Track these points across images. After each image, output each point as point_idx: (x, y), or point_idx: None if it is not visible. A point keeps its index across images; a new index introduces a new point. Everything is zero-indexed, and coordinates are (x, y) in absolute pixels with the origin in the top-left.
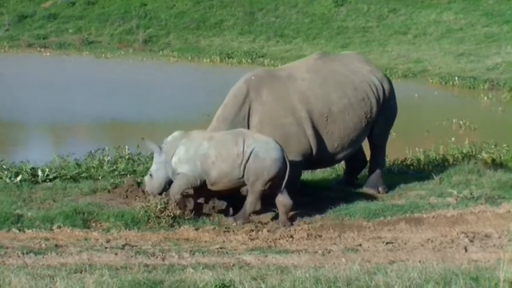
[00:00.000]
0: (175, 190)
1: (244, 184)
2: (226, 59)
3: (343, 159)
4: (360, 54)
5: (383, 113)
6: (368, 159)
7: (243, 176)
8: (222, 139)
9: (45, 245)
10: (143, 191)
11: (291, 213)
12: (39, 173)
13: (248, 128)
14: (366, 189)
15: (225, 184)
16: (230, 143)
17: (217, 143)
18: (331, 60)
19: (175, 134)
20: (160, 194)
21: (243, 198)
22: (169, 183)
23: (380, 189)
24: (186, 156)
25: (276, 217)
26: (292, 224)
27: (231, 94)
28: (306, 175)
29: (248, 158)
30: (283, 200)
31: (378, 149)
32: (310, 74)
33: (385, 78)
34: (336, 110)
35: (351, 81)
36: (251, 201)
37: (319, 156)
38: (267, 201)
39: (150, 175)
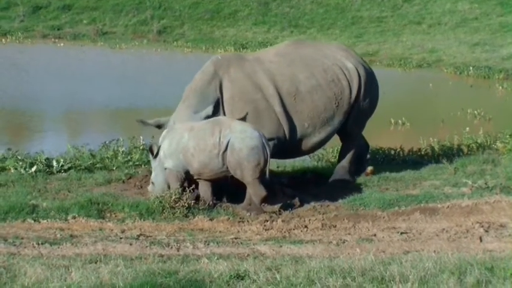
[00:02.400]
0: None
1: (228, 173)
2: (241, 50)
3: (319, 144)
4: (342, 44)
5: (360, 100)
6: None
7: (223, 165)
8: (200, 129)
9: (60, 235)
10: None
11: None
12: (54, 163)
13: (222, 103)
14: (332, 179)
15: (208, 175)
16: (207, 134)
17: (196, 134)
18: (304, 46)
19: (163, 133)
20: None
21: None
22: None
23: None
24: (169, 150)
25: (288, 206)
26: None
27: (199, 72)
28: (319, 166)
29: (225, 149)
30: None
31: (350, 138)
32: (278, 57)
33: (362, 66)
34: (303, 89)
35: (321, 63)
36: (254, 193)
37: (292, 138)
38: (274, 190)
39: (152, 183)
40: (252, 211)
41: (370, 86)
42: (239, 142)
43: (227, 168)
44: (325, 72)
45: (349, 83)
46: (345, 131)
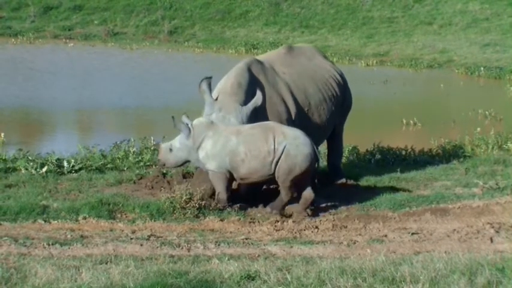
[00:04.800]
0: (221, 197)
1: (274, 178)
2: (252, 50)
3: None
4: (312, 46)
5: (343, 105)
6: None
7: (273, 172)
8: (250, 134)
9: (71, 235)
10: (168, 182)
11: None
12: (65, 164)
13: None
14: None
15: (254, 179)
16: (260, 140)
17: (246, 139)
18: (298, 55)
19: (202, 121)
20: (172, 167)
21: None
22: (185, 163)
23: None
24: (213, 151)
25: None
26: (310, 215)
27: (237, 71)
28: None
29: (280, 156)
30: (306, 192)
31: (336, 137)
32: (287, 68)
33: (341, 71)
34: (313, 103)
35: (322, 77)
36: (285, 194)
37: None
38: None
39: (170, 149)
40: (275, 209)
41: (349, 91)
42: (294, 148)
43: (274, 173)
44: (326, 85)
45: (341, 94)
46: (333, 135)
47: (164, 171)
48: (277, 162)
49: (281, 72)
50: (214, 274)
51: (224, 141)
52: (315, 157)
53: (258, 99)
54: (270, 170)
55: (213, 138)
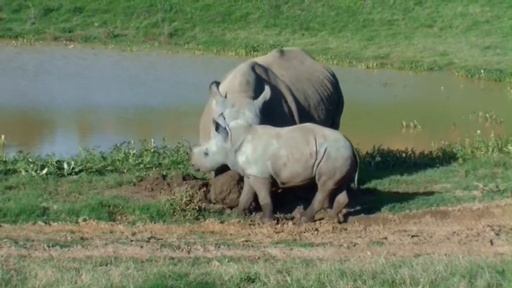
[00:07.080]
0: (266, 202)
1: (313, 180)
2: (252, 52)
3: None
4: (303, 50)
5: (339, 104)
6: None
7: (314, 175)
8: (291, 137)
9: (71, 237)
10: (168, 184)
11: (344, 210)
12: (65, 166)
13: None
14: None
15: (295, 183)
16: (301, 143)
17: (287, 142)
18: (291, 58)
19: (240, 123)
20: (208, 171)
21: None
22: (221, 167)
23: None
24: (254, 156)
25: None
26: (341, 221)
27: (242, 71)
28: None
29: (321, 159)
30: (340, 197)
31: None
32: (284, 71)
33: (333, 72)
34: (312, 104)
35: (317, 78)
36: (320, 200)
37: None
38: (294, 195)
39: (206, 153)
40: (305, 216)
41: (340, 90)
42: (335, 151)
43: (314, 177)
44: (322, 86)
45: (336, 93)
46: None
47: (164, 174)
48: (318, 165)
49: (280, 75)
50: (214, 276)
51: (265, 145)
52: (355, 160)
53: (266, 93)
54: (311, 173)
55: (253, 142)
